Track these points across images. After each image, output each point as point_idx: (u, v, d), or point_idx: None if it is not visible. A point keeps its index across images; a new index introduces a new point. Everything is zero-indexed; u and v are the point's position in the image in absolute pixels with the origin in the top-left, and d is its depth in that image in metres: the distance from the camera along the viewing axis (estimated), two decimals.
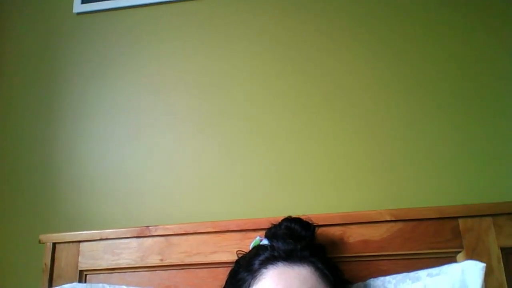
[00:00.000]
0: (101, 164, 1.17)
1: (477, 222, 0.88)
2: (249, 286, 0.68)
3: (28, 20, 1.33)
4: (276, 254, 0.69)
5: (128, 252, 0.99)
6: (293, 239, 0.77)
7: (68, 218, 1.14)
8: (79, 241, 1.01)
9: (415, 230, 0.89)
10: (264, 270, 0.68)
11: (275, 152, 1.10)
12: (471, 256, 0.83)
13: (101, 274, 1.00)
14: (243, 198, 1.08)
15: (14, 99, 1.27)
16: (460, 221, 0.88)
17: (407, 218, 0.90)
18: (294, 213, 0.87)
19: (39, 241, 1.02)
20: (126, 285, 0.95)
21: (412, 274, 0.82)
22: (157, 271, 0.98)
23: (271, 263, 0.68)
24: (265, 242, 0.82)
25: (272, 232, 0.82)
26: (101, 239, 1.00)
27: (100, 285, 0.94)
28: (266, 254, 0.70)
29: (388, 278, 0.84)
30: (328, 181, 1.06)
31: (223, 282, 0.78)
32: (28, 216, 1.16)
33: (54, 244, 1.02)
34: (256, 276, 0.68)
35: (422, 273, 0.81)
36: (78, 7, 1.30)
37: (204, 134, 1.15)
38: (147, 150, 1.16)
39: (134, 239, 0.99)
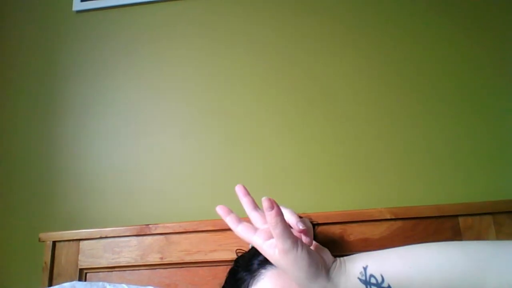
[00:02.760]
0: (101, 163, 1.17)
1: (477, 220, 0.88)
2: (248, 286, 0.68)
3: (28, 18, 1.33)
4: None
5: (128, 250, 0.99)
6: None
7: (68, 216, 1.14)
8: (79, 240, 1.01)
9: (415, 228, 0.89)
10: (263, 271, 0.67)
11: (276, 151, 1.10)
12: None
13: (101, 273, 1.00)
14: None
15: (13, 97, 1.27)
16: (460, 219, 0.88)
17: (407, 217, 0.90)
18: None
19: (39, 240, 1.02)
20: (126, 283, 0.95)
21: None
22: (157, 270, 0.98)
23: (270, 264, 0.68)
24: None
25: None
26: (101, 238, 1.00)
27: (100, 283, 0.94)
28: None
29: None
30: (328, 179, 1.06)
31: (223, 281, 0.78)
32: (28, 215, 1.16)
33: (54, 242, 1.02)
34: (255, 276, 0.68)
35: None
36: (77, 5, 1.30)
37: (205, 133, 1.15)
38: (147, 148, 1.16)
39: (134, 237, 0.99)
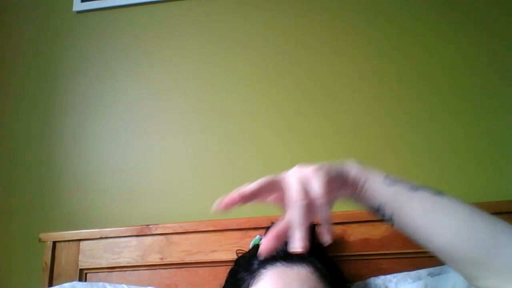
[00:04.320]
0: (101, 163, 1.17)
1: None
2: (248, 286, 0.68)
3: (28, 18, 1.33)
4: (275, 254, 0.69)
5: (128, 250, 0.99)
6: None
7: (68, 216, 1.14)
8: (79, 240, 1.01)
9: None
10: (263, 271, 0.67)
11: (275, 151, 1.10)
12: None
13: (101, 273, 0.99)
14: None
15: (13, 97, 1.27)
16: None
17: None
18: None
19: (39, 240, 1.02)
20: (126, 284, 0.95)
21: (413, 273, 0.82)
22: (157, 270, 0.98)
23: (270, 264, 0.68)
24: None
25: None
26: (101, 238, 1.00)
27: (100, 283, 0.94)
28: None
29: (389, 277, 0.83)
30: None
31: (223, 281, 0.78)
32: (28, 215, 1.16)
33: (54, 242, 1.02)
34: (255, 276, 0.68)
35: (423, 272, 0.81)
36: (78, 5, 1.30)
37: (204, 133, 1.15)
38: (147, 149, 1.16)
39: (134, 237, 0.99)
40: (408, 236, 0.55)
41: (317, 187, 0.48)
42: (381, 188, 0.55)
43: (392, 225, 0.55)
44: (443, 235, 0.51)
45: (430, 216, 0.52)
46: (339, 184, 0.54)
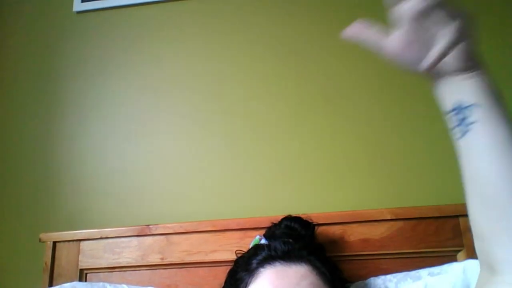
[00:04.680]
0: (101, 163, 1.17)
1: None
2: (246, 285, 0.68)
3: (28, 18, 1.33)
4: (273, 254, 0.69)
5: (129, 251, 0.99)
6: (292, 238, 0.77)
7: (68, 217, 1.14)
8: (80, 240, 1.01)
9: (416, 229, 0.89)
10: (261, 270, 0.68)
11: (276, 151, 1.10)
12: (471, 255, 0.82)
13: (102, 273, 1.00)
14: (244, 197, 1.08)
15: (13, 97, 1.27)
16: (461, 219, 0.88)
17: (407, 217, 0.90)
18: (295, 212, 0.87)
19: (40, 240, 1.02)
20: (127, 284, 0.95)
21: (413, 273, 0.82)
22: (158, 270, 0.98)
23: (269, 263, 0.68)
24: (264, 241, 0.82)
25: (272, 231, 0.83)
26: (101, 238, 1.00)
27: (101, 284, 0.94)
28: (264, 254, 0.70)
29: (389, 276, 0.83)
30: (328, 180, 1.06)
31: (223, 281, 0.78)
32: (28, 215, 1.16)
33: (54, 243, 1.02)
34: (253, 275, 0.68)
35: (423, 272, 0.81)
36: (78, 5, 1.29)
37: (205, 133, 1.15)
38: (147, 149, 1.16)
39: (135, 238, 0.99)
40: (463, 154, 0.51)
41: None
42: (488, 93, 0.50)
43: (463, 134, 0.50)
44: (508, 175, 0.46)
45: (508, 147, 0.47)
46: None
